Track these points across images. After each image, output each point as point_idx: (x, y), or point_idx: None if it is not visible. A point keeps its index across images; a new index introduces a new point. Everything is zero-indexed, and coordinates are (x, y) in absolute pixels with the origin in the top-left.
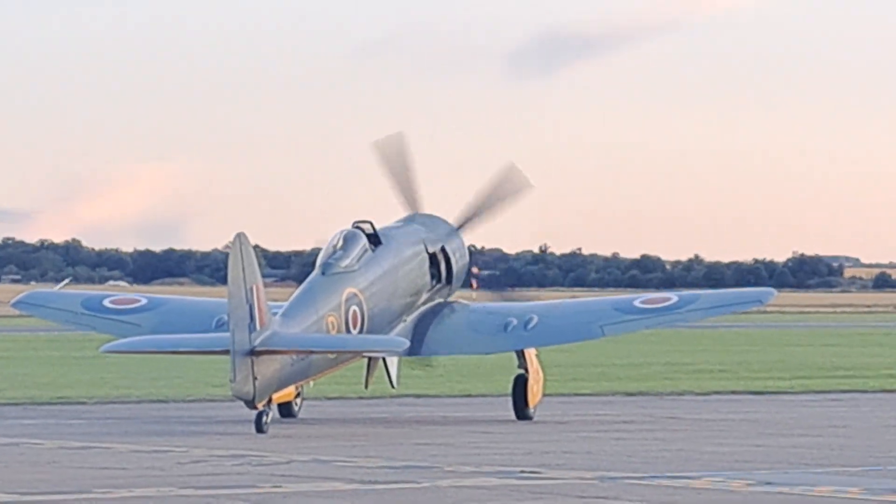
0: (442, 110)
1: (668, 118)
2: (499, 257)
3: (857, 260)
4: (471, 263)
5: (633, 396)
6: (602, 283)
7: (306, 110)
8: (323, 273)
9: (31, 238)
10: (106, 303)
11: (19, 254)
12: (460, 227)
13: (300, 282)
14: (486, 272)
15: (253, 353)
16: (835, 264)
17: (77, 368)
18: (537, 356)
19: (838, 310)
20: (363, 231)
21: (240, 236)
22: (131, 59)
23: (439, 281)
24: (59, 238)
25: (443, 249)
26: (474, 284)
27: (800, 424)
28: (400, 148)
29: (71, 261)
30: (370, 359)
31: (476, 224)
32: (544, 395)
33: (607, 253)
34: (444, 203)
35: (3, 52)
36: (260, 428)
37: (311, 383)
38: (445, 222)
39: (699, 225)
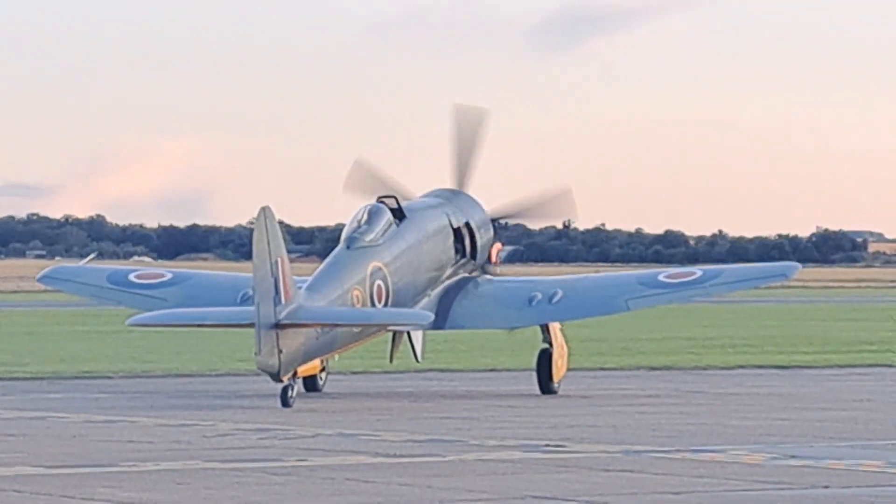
0: (464, 86)
1: (691, 93)
2: (522, 232)
3: (881, 235)
4: (495, 239)
5: (657, 371)
6: (626, 259)
7: (330, 85)
8: (348, 247)
9: (56, 214)
10: (132, 277)
11: (44, 229)
12: (494, 220)
13: (324, 256)
14: (509, 247)
15: (278, 326)
16: (859, 239)
17: (102, 342)
18: (562, 330)
19: (862, 284)
20: (387, 206)
21: (265, 210)
22: (154, 34)
23: (463, 255)
24: (83, 214)
25: (467, 224)
26: (496, 259)
27: (824, 398)
28: (478, 122)
29: (95, 236)
30: (395, 333)
31: (510, 222)
32: (569, 369)
33: (631, 228)
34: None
35: (25, 29)
36: (285, 402)
37: (336, 357)
38: (477, 204)
39: (723, 200)
